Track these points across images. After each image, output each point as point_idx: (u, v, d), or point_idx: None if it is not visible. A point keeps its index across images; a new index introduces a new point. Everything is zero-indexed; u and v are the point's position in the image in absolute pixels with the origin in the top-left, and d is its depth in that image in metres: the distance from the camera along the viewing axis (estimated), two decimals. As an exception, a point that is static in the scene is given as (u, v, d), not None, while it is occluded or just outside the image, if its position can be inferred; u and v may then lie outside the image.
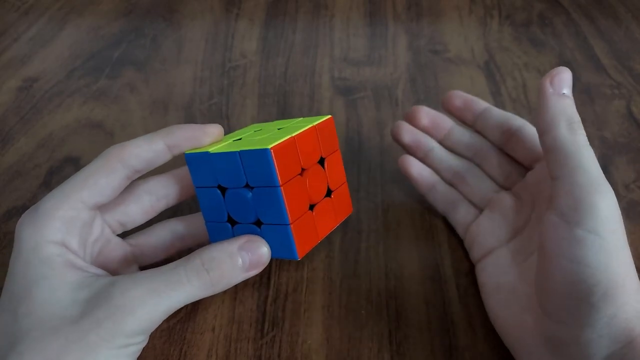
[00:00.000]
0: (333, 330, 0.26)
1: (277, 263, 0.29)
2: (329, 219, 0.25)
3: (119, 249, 0.25)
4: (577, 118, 0.23)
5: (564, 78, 0.23)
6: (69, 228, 0.22)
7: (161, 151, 0.24)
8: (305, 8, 0.51)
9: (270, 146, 0.21)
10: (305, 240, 0.23)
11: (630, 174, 0.34)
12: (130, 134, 0.38)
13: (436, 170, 0.30)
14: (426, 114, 0.31)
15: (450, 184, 0.30)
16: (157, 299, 0.20)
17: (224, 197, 0.24)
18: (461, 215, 0.29)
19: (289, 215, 0.22)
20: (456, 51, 0.45)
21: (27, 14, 0.50)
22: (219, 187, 0.23)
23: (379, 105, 0.39)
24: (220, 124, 0.38)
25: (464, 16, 0.49)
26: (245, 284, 0.28)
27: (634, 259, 0.29)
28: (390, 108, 0.39)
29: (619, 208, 0.21)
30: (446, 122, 0.30)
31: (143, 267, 0.26)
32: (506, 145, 0.28)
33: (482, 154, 0.29)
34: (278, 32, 0.48)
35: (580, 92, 0.40)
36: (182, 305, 0.21)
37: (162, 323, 0.26)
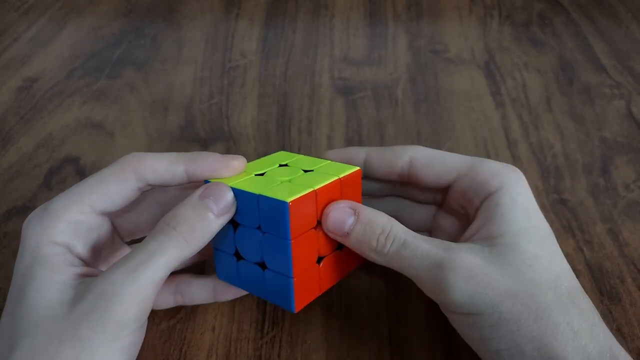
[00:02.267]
0: (333, 330, 0.26)
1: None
2: (335, 271, 0.24)
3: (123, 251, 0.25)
4: (374, 240, 0.22)
5: (334, 220, 0.22)
6: (74, 231, 0.22)
7: (179, 174, 0.23)
8: (305, 8, 0.51)
9: (289, 200, 0.21)
10: (305, 294, 0.23)
11: (630, 173, 0.34)
12: (130, 134, 0.38)
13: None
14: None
15: None
16: (137, 275, 0.19)
17: (234, 231, 0.23)
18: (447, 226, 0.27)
19: (293, 269, 0.22)
20: (456, 51, 0.45)
21: (27, 14, 0.50)
22: (232, 220, 0.23)
23: (379, 105, 0.39)
24: (220, 123, 0.38)
25: (464, 16, 0.49)
26: (245, 283, 0.28)
27: (633, 259, 0.29)
28: (390, 108, 0.39)
29: (477, 270, 0.20)
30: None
31: None
32: (411, 181, 0.26)
33: (399, 187, 0.27)
34: (278, 32, 0.48)
35: (580, 91, 0.40)
36: (167, 273, 0.20)
37: (162, 323, 0.26)
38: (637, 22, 0.48)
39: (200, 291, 0.25)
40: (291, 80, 0.42)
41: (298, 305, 0.22)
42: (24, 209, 0.32)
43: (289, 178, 0.23)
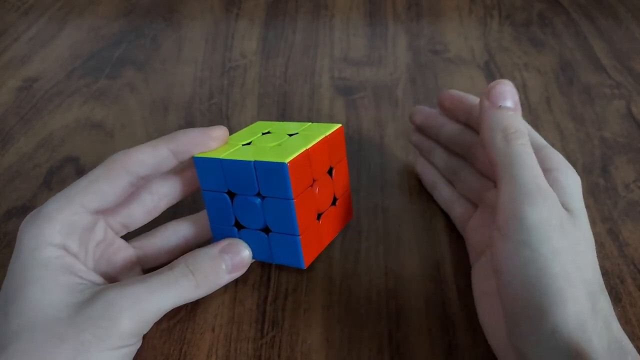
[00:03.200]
0: (333, 330, 0.26)
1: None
2: (332, 226, 0.26)
3: (122, 251, 0.25)
4: (514, 128, 0.22)
5: (501, 90, 0.23)
6: (69, 232, 0.22)
7: (165, 157, 0.24)
8: (305, 8, 0.51)
9: (287, 160, 0.21)
10: (311, 249, 0.24)
11: (630, 173, 0.34)
12: (130, 134, 0.38)
13: (439, 170, 0.31)
14: (419, 113, 0.31)
15: (451, 182, 0.30)
16: (149, 297, 0.21)
17: (232, 201, 0.24)
18: (458, 213, 0.29)
19: (299, 227, 0.23)
20: (456, 51, 0.45)
21: (27, 14, 0.50)
22: (228, 192, 0.23)
23: (379, 105, 0.39)
24: (220, 123, 0.38)
25: (464, 16, 0.49)
26: (245, 283, 0.28)
27: (633, 259, 0.29)
28: (390, 108, 0.39)
29: (559, 216, 0.21)
30: (437, 120, 0.30)
31: (147, 270, 0.26)
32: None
33: (474, 151, 0.28)
34: (278, 32, 0.48)
35: (580, 92, 0.40)
36: (172, 306, 0.22)
37: (162, 323, 0.26)
38: (637, 22, 0.48)
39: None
40: (291, 80, 0.42)
41: (307, 260, 0.24)
42: (24, 209, 0.32)
43: (278, 143, 0.24)
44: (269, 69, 0.43)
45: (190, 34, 0.47)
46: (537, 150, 0.23)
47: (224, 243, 0.24)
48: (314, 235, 0.24)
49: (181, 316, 0.26)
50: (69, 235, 0.22)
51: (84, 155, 0.36)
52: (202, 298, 0.27)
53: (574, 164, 0.34)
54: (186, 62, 0.44)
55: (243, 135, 0.26)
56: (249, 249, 0.24)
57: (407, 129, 0.37)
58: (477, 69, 0.43)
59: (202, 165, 0.24)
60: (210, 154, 0.24)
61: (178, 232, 0.26)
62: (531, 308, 0.20)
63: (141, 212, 0.26)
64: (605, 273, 0.28)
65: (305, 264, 0.24)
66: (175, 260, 0.23)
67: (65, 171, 0.35)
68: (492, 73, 0.42)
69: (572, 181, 0.23)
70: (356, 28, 0.48)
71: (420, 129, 0.31)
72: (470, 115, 0.28)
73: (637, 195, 0.32)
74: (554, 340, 0.19)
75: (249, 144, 0.25)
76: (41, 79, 0.43)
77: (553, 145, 0.36)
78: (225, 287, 0.28)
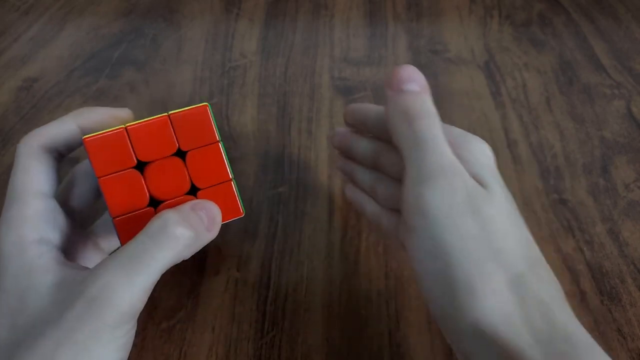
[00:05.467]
0: (333, 330, 0.26)
1: (277, 263, 0.29)
2: None
3: (76, 229, 0.25)
4: (416, 109, 0.21)
5: (401, 74, 0.22)
6: (43, 221, 0.21)
7: (75, 131, 0.23)
8: (305, 8, 0.51)
9: (83, 137, 0.21)
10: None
11: (630, 173, 0.34)
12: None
13: (364, 190, 0.28)
14: (335, 137, 0.29)
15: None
16: (130, 279, 0.19)
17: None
18: (385, 226, 0.27)
19: (111, 209, 0.21)
20: (456, 51, 0.45)
21: (27, 14, 0.50)
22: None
23: (379, 105, 0.39)
24: (220, 123, 0.38)
25: (464, 16, 0.49)
26: (245, 284, 0.28)
27: (633, 259, 0.29)
28: (390, 108, 0.39)
29: (465, 195, 0.19)
30: (350, 139, 0.28)
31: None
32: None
33: (382, 159, 0.26)
34: (278, 32, 0.48)
35: (580, 91, 0.40)
36: (157, 277, 0.20)
37: (162, 323, 0.26)
38: (637, 22, 0.48)
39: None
40: (291, 80, 0.42)
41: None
42: (24, 209, 0.32)
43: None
44: (269, 69, 0.43)
45: (190, 34, 0.47)
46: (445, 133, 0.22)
47: (190, 203, 0.22)
48: (142, 222, 0.21)
49: (181, 316, 0.26)
50: (44, 224, 0.21)
51: (84, 155, 0.36)
52: (203, 298, 0.27)
53: (574, 164, 0.34)
54: (186, 62, 0.44)
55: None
56: (216, 206, 0.23)
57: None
58: (477, 69, 0.43)
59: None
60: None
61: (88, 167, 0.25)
62: (447, 306, 0.18)
63: (89, 189, 0.25)
64: (605, 273, 0.28)
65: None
66: (148, 225, 0.21)
67: (64, 171, 0.35)
68: (492, 73, 0.42)
69: (479, 155, 0.21)
70: (356, 28, 0.48)
71: (341, 153, 0.29)
72: (373, 122, 0.26)
73: (637, 195, 0.32)
74: (478, 337, 0.17)
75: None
76: (41, 79, 0.43)
77: (553, 145, 0.36)
78: (226, 287, 0.28)
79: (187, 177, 0.22)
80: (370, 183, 0.27)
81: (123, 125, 0.22)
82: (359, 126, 0.28)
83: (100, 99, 0.41)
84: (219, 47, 0.46)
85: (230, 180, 0.23)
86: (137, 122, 0.22)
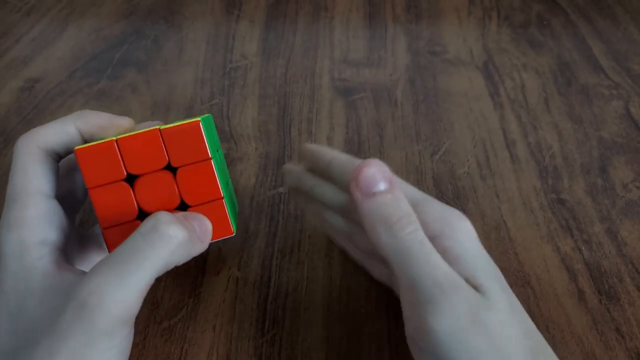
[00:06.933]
0: (333, 329, 0.26)
1: (277, 262, 0.29)
2: None
3: (84, 237, 0.25)
4: (396, 217, 0.20)
5: (368, 175, 0.21)
6: (45, 223, 0.21)
7: (74, 134, 0.23)
8: (305, 10, 0.51)
9: (76, 148, 0.21)
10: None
11: (628, 173, 0.34)
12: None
13: (336, 233, 0.27)
14: (288, 175, 0.27)
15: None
16: (122, 282, 0.18)
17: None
18: (377, 274, 0.27)
19: (101, 221, 0.21)
20: (455, 52, 0.45)
21: (29, 15, 0.51)
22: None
23: (379, 106, 0.40)
24: (220, 124, 0.38)
25: (463, 17, 0.50)
26: (245, 282, 0.28)
27: (632, 259, 0.29)
28: (389, 109, 0.39)
29: (468, 310, 0.19)
30: (307, 182, 0.26)
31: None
32: None
33: (348, 213, 0.25)
34: (278, 33, 0.48)
35: (579, 92, 0.41)
36: (151, 279, 0.19)
37: (163, 322, 0.26)
38: (635, 23, 0.48)
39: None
40: (291, 81, 0.42)
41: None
42: (26, 209, 0.32)
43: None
44: (270, 70, 0.43)
45: (192, 36, 0.48)
46: (416, 208, 0.21)
47: (181, 214, 0.22)
48: (131, 233, 0.21)
49: (182, 315, 0.26)
50: (45, 227, 0.21)
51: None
52: (204, 297, 0.27)
53: (572, 164, 0.35)
54: (187, 64, 0.44)
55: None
56: (208, 219, 0.22)
57: (407, 130, 0.38)
58: (475, 70, 0.43)
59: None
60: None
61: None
62: None
63: (80, 187, 0.25)
64: (603, 272, 0.28)
65: None
66: (141, 225, 0.20)
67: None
68: (490, 74, 0.43)
69: (465, 242, 0.21)
70: (356, 30, 0.48)
71: (295, 192, 0.28)
72: (331, 172, 0.24)
73: (635, 195, 0.33)
74: None
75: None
76: (43, 79, 0.43)
77: (551, 145, 0.36)
78: (226, 286, 0.28)
79: (177, 192, 0.22)
80: (346, 231, 0.25)
81: (114, 137, 0.22)
82: (317, 172, 0.26)
83: (102, 99, 0.41)
84: (220, 48, 0.46)
85: (222, 198, 0.22)
86: (129, 133, 0.22)
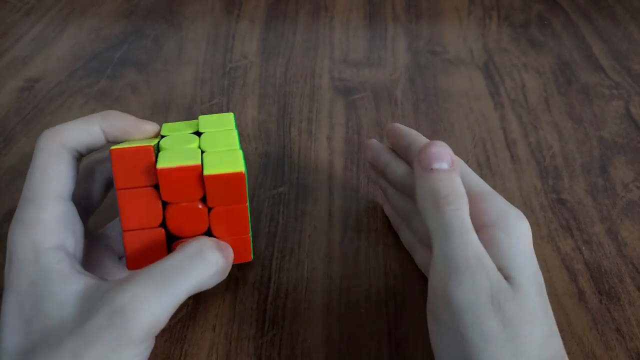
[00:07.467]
0: (333, 329, 0.26)
1: (277, 262, 0.29)
2: None
3: (94, 238, 0.24)
4: (445, 192, 0.21)
5: (432, 152, 0.22)
6: (61, 227, 0.21)
7: (98, 135, 0.23)
8: (305, 9, 0.51)
9: (113, 147, 0.21)
10: (142, 256, 0.22)
11: (629, 173, 0.34)
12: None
13: (396, 211, 0.29)
14: (369, 148, 0.28)
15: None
16: (159, 296, 0.19)
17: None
18: (418, 259, 0.28)
19: (123, 222, 0.22)
20: (455, 52, 0.45)
21: (29, 15, 0.51)
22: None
23: (379, 106, 0.40)
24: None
25: (463, 17, 0.50)
26: (245, 283, 0.28)
27: (632, 259, 0.29)
28: (389, 109, 0.39)
29: (490, 292, 0.19)
30: (383, 158, 0.27)
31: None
32: None
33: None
34: (278, 33, 0.48)
35: (579, 92, 0.41)
36: (184, 298, 0.20)
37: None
38: (636, 23, 0.48)
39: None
40: (291, 81, 0.42)
41: (131, 263, 0.22)
42: (26, 209, 0.32)
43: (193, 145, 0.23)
44: (270, 70, 0.43)
45: (191, 35, 0.48)
46: (476, 200, 0.22)
47: (219, 242, 0.23)
48: (153, 245, 0.22)
49: (182, 315, 0.26)
50: (62, 230, 0.21)
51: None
52: (203, 297, 0.27)
53: (572, 164, 0.35)
54: (187, 63, 0.44)
55: (175, 127, 0.25)
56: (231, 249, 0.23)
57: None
58: (476, 70, 0.43)
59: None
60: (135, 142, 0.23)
61: (102, 171, 0.25)
62: None
63: (98, 189, 0.24)
64: (603, 273, 0.28)
65: (128, 265, 0.23)
66: (184, 244, 0.21)
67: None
68: (491, 74, 0.42)
69: (513, 237, 0.21)
70: (356, 29, 0.48)
71: (372, 166, 0.29)
72: (410, 153, 0.25)
73: (635, 195, 0.32)
74: None
75: (163, 136, 0.24)
76: (43, 79, 0.43)
77: (552, 145, 0.36)
78: (226, 286, 0.28)
79: (207, 224, 0.23)
80: (405, 211, 0.27)
81: (151, 143, 0.22)
82: (397, 149, 0.27)
83: (102, 99, 0.41)
84: (220, 48, 0.46)
85: (249, 234, 0.24)
86: (169, 165, 0.21)
